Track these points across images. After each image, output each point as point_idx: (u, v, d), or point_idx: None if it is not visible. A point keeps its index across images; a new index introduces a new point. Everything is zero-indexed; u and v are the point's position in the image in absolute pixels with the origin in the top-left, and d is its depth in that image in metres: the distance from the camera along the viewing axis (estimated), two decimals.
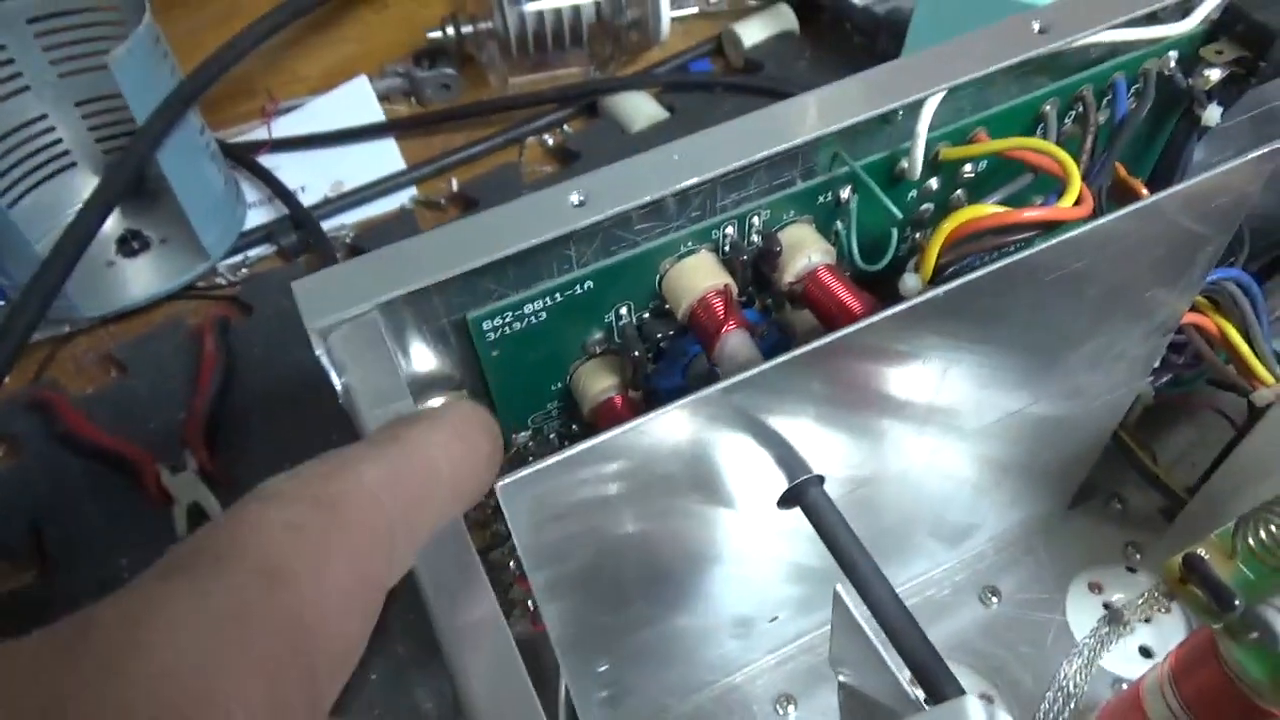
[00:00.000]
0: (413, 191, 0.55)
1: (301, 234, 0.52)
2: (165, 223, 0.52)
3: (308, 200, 0.55)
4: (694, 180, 0.22)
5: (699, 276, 0.24)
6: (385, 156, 0.57)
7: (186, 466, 0.42)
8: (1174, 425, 0.36)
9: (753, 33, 0.60)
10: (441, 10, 0.58)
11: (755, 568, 0.28)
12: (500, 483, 0.18)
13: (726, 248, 0.25)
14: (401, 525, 0.16)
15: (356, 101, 0.59)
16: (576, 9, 0.56)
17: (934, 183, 0.27)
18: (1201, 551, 0.19)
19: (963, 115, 0.27)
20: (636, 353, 0.24)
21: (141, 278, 0.51)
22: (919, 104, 0.24)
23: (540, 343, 0.24)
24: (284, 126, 0.58)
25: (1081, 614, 0.34)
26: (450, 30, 0.56)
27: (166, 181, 0.47)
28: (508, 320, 0.23)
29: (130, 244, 0.52)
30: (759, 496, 0.25)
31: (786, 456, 0.24)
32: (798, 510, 0.25)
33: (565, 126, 0.58)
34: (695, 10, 0.60)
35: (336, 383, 0.21)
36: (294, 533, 0.14)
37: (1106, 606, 0.34)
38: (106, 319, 0.49)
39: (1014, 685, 0.33)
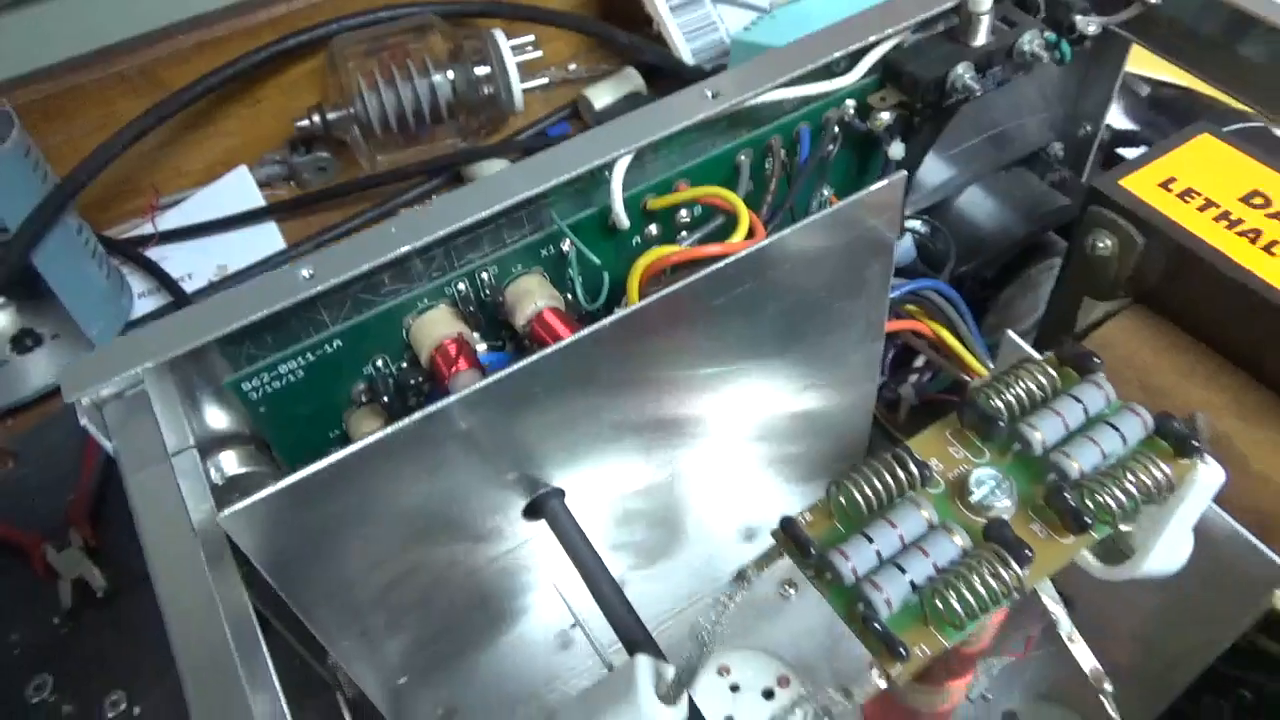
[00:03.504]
0: None
1: None
2: (56, 320, 0.56)
3: (194, 285, 0.59)
4: (405, 249, 0.26)
5: (436, 328, 0.28)
6: (267, 239, 0.62)
7: (71, 544, 0.45)
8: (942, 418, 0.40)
9: (603, 96, 0.65)
10: (311, 100, 0.63)
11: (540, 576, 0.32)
12: (223, 513, 0.22)
13: (460, 302, 0.29)
14: None
15: (238, 190, 0.63)
16: (432, 91, 0.61)
17: (653, 228, 0.31)
18: (806, 514, 0.23)
19: (672, 167, 0.31)
20: (387, 398, 0.28)
21: (36, 372, 0.54)
22: (610, 165, 0.28)
23: (304, 397, 0.28)
24: (171, 219, 0.62)
25: None
26: (317, 119, 0.61)
27: None
28: (266, 380, 0.27)
29: (24, 341, 0.56)
30: (507, 512, 0.28)
31: (528, 472, 0.28)
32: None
33: (433, 198, 0.62)
34: (546, 81, 0.65)
35: (108, 447, 0.25)
36: None
37: None
38: (3, 414, 0.53)
39: (811, 671, 0.37)
